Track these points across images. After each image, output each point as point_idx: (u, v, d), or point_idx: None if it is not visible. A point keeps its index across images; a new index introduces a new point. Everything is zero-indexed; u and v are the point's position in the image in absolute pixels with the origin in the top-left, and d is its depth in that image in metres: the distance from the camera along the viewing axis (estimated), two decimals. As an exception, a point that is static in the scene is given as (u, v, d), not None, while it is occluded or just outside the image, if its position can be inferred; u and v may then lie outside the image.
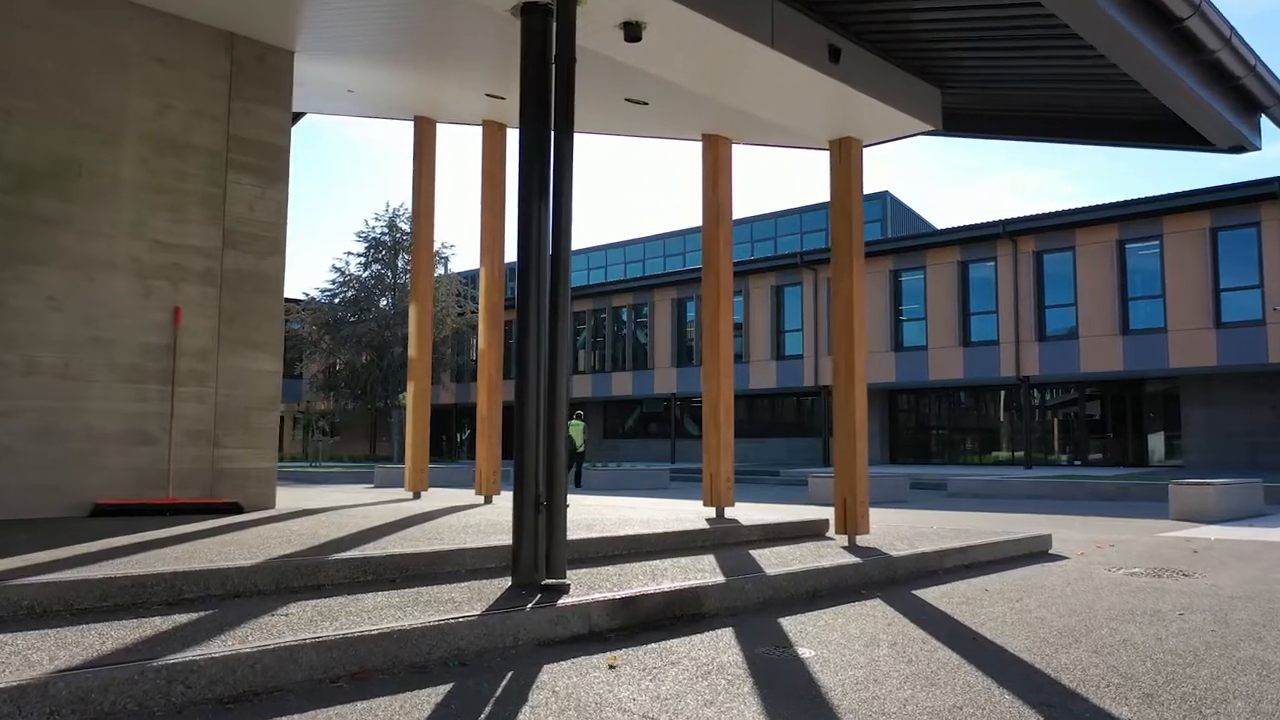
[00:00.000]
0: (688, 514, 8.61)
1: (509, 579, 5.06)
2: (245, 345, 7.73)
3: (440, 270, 44.18)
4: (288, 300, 42.77)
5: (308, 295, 40.13)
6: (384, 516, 7.56)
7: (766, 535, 7.43)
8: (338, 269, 41.40)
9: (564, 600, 4.55)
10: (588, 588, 4.95)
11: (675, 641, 4.43)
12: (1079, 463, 29.44)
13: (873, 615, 5.19)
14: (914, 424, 33.49)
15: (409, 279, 31.40)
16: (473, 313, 43.46)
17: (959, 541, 7.50)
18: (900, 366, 30.95)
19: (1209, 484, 12.48)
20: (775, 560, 6.22)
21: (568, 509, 5.06)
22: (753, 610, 5.25)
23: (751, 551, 6.67)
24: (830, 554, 6.59)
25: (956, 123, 7.66)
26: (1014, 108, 7.63)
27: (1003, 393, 31.44)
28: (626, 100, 7.85)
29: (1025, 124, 7.67)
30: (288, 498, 10.27)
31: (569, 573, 5.35)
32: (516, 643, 4.20)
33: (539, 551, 4.97)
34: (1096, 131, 7.45)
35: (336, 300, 39.45)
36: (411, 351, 10.81)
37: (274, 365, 7.86)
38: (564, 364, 5.09)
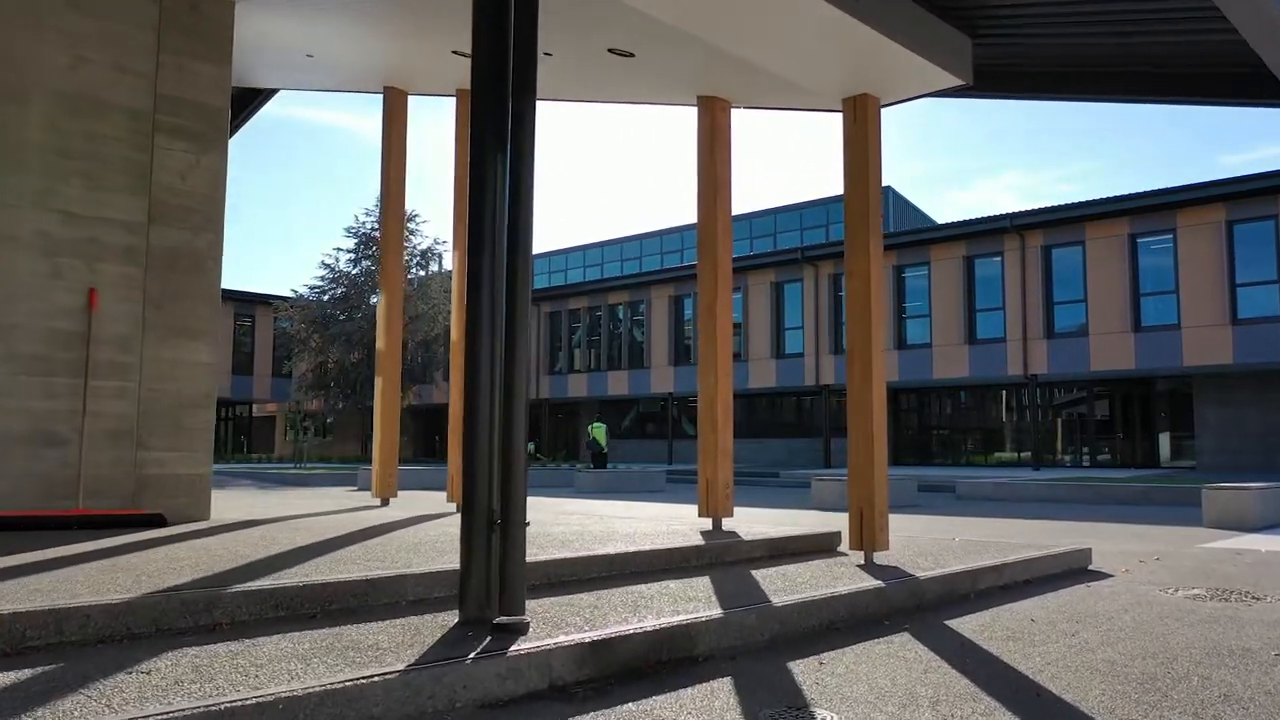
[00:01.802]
0: (681, 525, 7.66)
1: (457, 613, 4.10)
2: (175, 333, 6.76)
3: (435, 267, 43.27)
4: (276, 298, 41.80)
5: (295, 292, 39.08)
6: (333, 529, 6.60)
7: (771, 552, 6.47)
8: (327, 265, 40.38)
9: (519, 646, 3.59)
10: (553, 625, 4.00)
11: (660, 700, 3.47)
12: (1088, 463, 28.49)
13: (904, 658, 4.23)
14: (917, 424, 32.53)
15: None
16: (465, 310, 42.49)
17: (990, 558, 6.54)
18: (903, 365, 29.97)
19: (1247, 488, 11.53)
20: (782, 584, 5.26)
21: (526, 527, 4.10)
22: (757, 651, 4.29)
23: (754, 572, 5.71)
24: (846, 575, 5.63)
25: (988, 80, 6.70)
26: (1054, 59, 6.67)
27: (1005, 392, 30.48)
28: (610, 52, 6.89)
29: (1066, 80, 6.71)
30: (244, 505, 9.30)
31: (533, 603, 4.40)
32: (453, 706, 3.24)
33: (491, 580, 4.02)
34: (1154, 87, 6.49)
35: (326, 298, 38.43)
36: (380, 344, 9.85)
37: (209, 356, 6.90)
38: (523, 354, 4.14)
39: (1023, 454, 29.61)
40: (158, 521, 6.34)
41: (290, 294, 39.95)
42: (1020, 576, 6.50)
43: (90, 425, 6.34)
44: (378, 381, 9.82)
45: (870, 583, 5.34)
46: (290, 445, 43.09)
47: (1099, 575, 6.99)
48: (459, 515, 8.31)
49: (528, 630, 3.87)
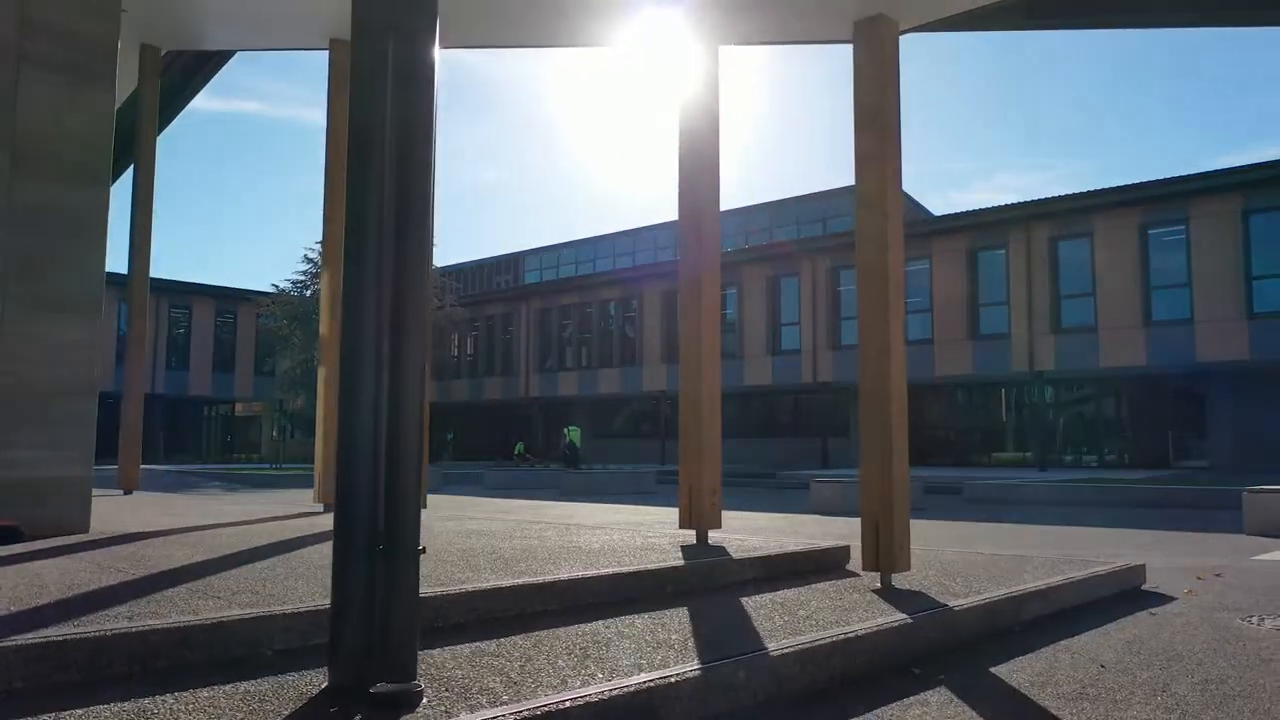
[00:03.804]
0: (661, 537, 6.49)
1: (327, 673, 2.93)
2: (44, 307, 5.58)
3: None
4: (257, 293, 40.48)
5: (277, 287, 37.77)
6: (235, 543, 5.43)
7: (766, 572, 5.31)
8: (310, 259, 39.11)
9: (393, 736, 2.43)
10: (460, 692, 2.84)
11: (598, 822, 2.31)
12: (1095, 464, 27.36)
13: (950, 733, 3.08)
14: (916, 423, 31.28)
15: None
16: (453, 305, 41.34)
17: (1031, 579, 5.39)
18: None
19: (1294, 492, 10.41)
20: (781, 619, 4.10)
21: (421, 554, 2.94)
22: (747, 722, 3.13)
23: (745, 601, 4.55)
24: (861, 605, 4.47)
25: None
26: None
27: (1011, 390, 29.33)
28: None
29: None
30: (157, 513, 8.11)
31: (446, 654, 3.25)
32: (270, 844, 2.07)
33: (374, 629, 2.85)
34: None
35: (309, 293, 37.10)
36: (323, 329, 8.67)
37: (88, 335, 5.71)
38: (415, 337, 2.97)
39: (1025, 454, 28.48)
40: (13, 535, 5.15)
41: (272, 289, 38.64)
42: (1069, 601, 5.34)
43: (-69, 418, 5.16)
44: (320, 373, 8.62)
45: (892, 616, 4.18)
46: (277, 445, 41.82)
47: (1158, 598, 5.84)
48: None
49: (419, 703, 2.71)
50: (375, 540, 2.86)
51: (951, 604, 4.55)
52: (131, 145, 12.10)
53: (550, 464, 31.03)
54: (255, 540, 5.68)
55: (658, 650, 3.47)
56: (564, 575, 4.38)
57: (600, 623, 3.94)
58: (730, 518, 6.80)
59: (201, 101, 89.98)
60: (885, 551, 5.06)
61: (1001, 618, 4.74)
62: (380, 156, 3.07)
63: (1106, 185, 26.42)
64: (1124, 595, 5.86)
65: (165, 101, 13.16)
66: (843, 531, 10.11)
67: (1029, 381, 27.82)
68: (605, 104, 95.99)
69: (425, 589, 3.86)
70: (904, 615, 4.21)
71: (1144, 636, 4.65)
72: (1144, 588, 6.18)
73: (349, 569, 2.88)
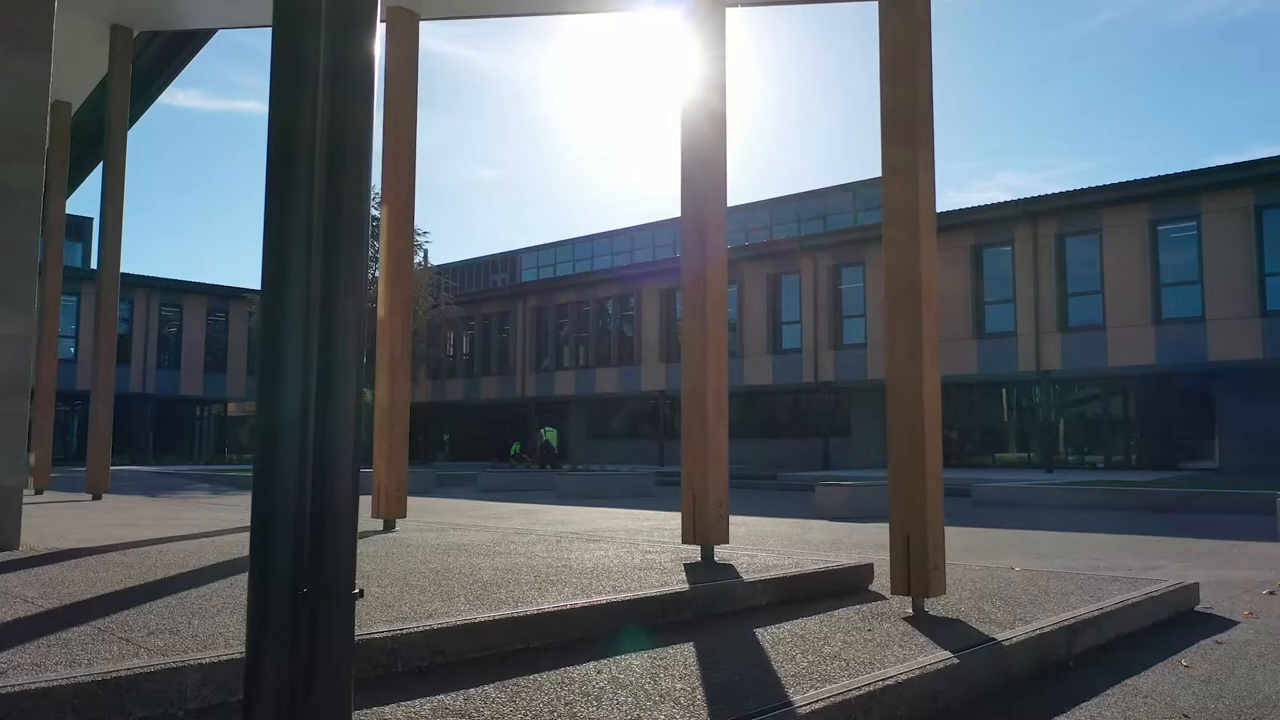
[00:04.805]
0: (661, 552, 5.87)
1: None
2: (-35, 296, 4.95)
3: (417, 259, 41.50)
4: (250, 291, 39.81)
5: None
6: (176, 564, 4.80)
7: (780, 596, 4.68)
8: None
9: None
10: (408, 775, 2.21)
11: None
12: (1102, 465, 26.76)
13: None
14: (921, 423, 30.77)
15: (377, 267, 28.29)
16: (448, 304, 40.71)
17: (1080, 603, 4.77)
18: (908, 360, 28.21)
19: (1332, 497, 9.78)
20: (804, 658, 3.48)
21: (357, 599, 2.32)
22: (771, 804, 2.51)
23: (760, 634, 3.92)
24: (895, 640, 3.85)
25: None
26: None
27: (1016, 389, 28.73)
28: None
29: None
30: (115, 523, 7.48)
31: (400, 711, 2.63)
32: None
33: (296, 689, 2.22)
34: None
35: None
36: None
37: (18, 329, 5.08)
38: (353, 330, 2.35)
39: (1031, 455, 27.88)
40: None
41: (258, 286, 37.95)
42: (1123, 627, 4.73)
43: None
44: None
45: (934, 655, 3.56)
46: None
47: (1218, 622, 5.22)
48: (384, 535, 6.44)
49: (351, 795, 2.09)
50: (298, 580, 2.24)
51: (999, 637, 3.93)
52: (101, 136, 11.50)
53: (530, 464, 31.05)
54: (204, 558, 5.05)
55: (660, 705, 2.85)
56: (549, 606, 3.75)
57: (591, 665, 3.32)
58: (733, 523, 6.21)
59: (200, 101, 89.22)
60: (918, 573, 4.44)
61: (1052, 650, 4.12)
62: (308, 165, 2.44)
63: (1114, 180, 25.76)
64: (1179, 619, 5.24)
65: (138, 90, 12.54)
66: (856, 540, 9.50)
67: (1035, 381, 27.22)
68: (604, 102, 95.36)
69: (382, 625, 3.24)
70: (947, 653, 3.59)
71: (1219, 674, 4.03)
72: (1198, 608, 5.57)
73: (265, 615, 2.25)
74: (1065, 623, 4.29)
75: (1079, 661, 4.19)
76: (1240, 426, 24.93)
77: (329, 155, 2.42)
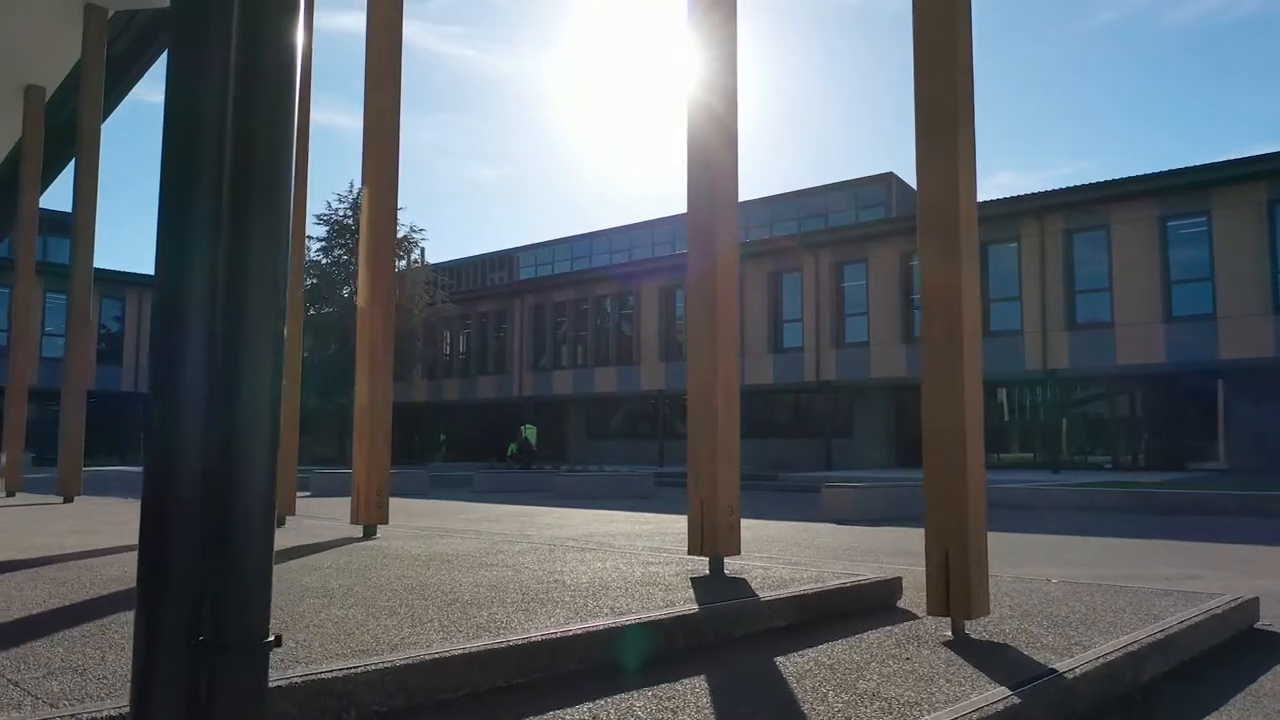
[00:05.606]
0: (665, 564, 5.33)
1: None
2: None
3: (415, 255, 40.94)
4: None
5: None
6: (116, 580, 4.26)
7: (802, 616, 4.13)
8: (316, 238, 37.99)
9: None
10: None
11: None
12: (1109, 466, 26.24)
13: None
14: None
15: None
16: (444, 303, 40.18)
17: (1139, 624, 4.23)
18: (910, 360, 27.69)
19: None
20: (836, 696, 2.93)
21: (271, 649, 1.78)
22: None
23: (781, 664, 3.38)
24: (938, 671, 3.31)
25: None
26: None
27: (1018, 388, 28.19)
28: None
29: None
30: (86, 526, 6.94)
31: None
32: None
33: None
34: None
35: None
36: (289, 329, 7.48)
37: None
38: (268, 317, 1.83)
39: (1037, 455, 27.35)
40: None
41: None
42: (1186, 651, 4.18)
43: None
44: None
45: (989, 692, 3.02)
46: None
47: (1285, 642, 4.69)
48: (364, 543, 5.72)
49: None
50: (194, 627, 1.70)
51: (1058, 667, 3.39)
52: (74, 129, 10.95)
53: (513, 464, 30.62)
54: (124, 582, 4.50)
55: (668, 766, 2.31)
56: (537, 634, 3.20)
57: (585, 708, 2.77)
58: (748, 532, 5.69)
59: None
60: (959, 591, 3.89)
61: (1118, 681, 3.58)
62: (215, 171, 1.93)
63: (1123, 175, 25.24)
64: (1243, 639, 4.71)
65: (113, 78, 11.99)
66: (868, 545, 8.96)
67: (1042, 380, 26.70)
68: (604, 101, 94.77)
69: (335, 661, 2.70)
70: (1005, 690, 3.05)
71: (1312, 710, 3.49)
72: (1257, 625, 5.03)
73: (151, 671, 1.71)
74: (1128, 648, 3.75)
75: (1147, 695, 3.65)
76: (1249, 426, 24.43)
77: (237, 167, 1.91)
